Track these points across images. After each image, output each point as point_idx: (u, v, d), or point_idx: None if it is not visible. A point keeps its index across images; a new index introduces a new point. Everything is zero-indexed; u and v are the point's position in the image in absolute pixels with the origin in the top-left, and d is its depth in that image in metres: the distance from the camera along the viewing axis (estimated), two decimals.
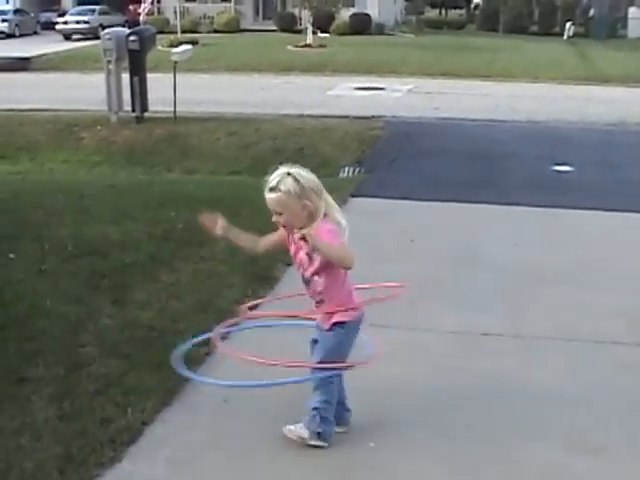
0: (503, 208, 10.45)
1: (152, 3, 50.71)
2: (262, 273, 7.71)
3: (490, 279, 7.82)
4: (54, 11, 54.61)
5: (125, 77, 16.34)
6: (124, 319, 6.63)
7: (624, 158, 13.91)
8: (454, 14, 71.03)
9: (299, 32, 41.19)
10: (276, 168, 4.86)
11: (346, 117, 16.80)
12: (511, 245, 8.90)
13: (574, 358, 6.27)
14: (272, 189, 4.79)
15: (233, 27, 48.59)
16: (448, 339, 6.53)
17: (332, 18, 44.42)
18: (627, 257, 8.57)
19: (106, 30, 17.31)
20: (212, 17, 50.88)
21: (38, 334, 6.31)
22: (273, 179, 4.80)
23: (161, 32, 27.05)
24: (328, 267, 4.88)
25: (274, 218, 4.85)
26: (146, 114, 16.50)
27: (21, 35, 47.51)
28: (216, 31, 47.51)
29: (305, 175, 4.81)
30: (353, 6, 48.17)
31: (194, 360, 5.94)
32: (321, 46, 30.83)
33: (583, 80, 23.35)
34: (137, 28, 19.62)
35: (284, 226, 4.87)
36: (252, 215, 9.56)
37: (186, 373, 5.05)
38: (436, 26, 57.72)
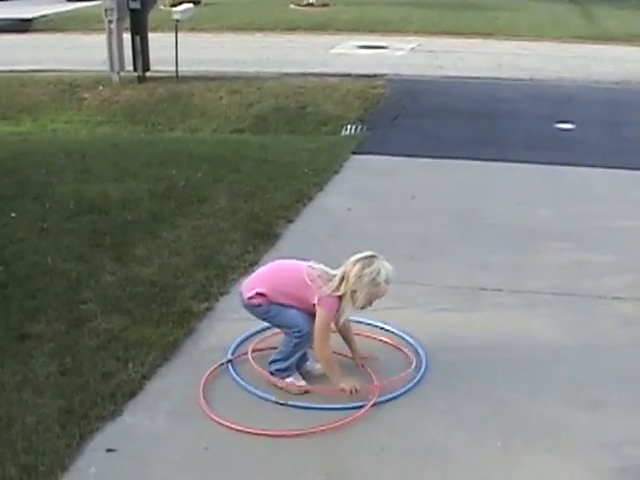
0: (505, 165, 10.42)
1: None
2: (263, 230, 7.72)
3: (491, 236, 7.83)
4: None
5: (127, 37, 16.25)
6: (125, 275, 6.66)
7: (627, 116, 13.83)
8: None
9: None
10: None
11: (349, 75, 16.68)
12: (513, 202, 8.89)
13: (574, 313, 6.29)
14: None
15: None
16: (447, 294, 6.55)
17: None
18: (629, 214, 8.55)
19: None
20: None
21: (39, 291, 6.35)
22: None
23: None
24: None
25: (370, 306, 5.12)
26: (148, 74, 16.39)
27: None
28: None
29: None
30: None
31: (195, 315, 5.99)
32: (324, 5, 30.54)
33: (587, 39, 23.14)
34: None
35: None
36: (252, 172, 9.67)
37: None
38: None
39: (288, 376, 5.19)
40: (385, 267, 4.99)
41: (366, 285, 4.94)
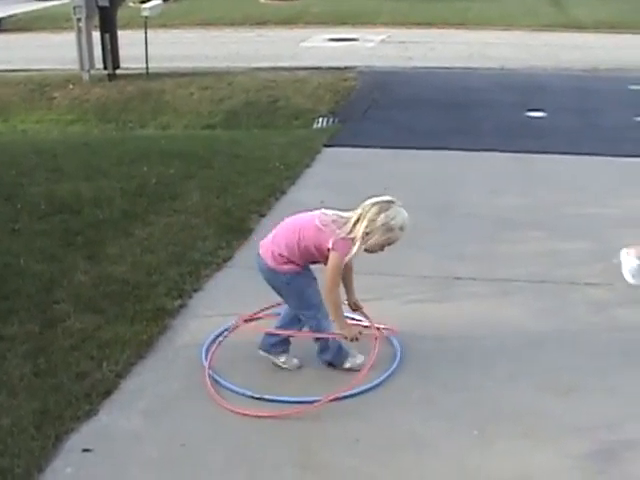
0: (477, 154, 10.44)
1: None
2: (236, 225, 7.71)
3: (465, 225, 7.85)
4: None
5: (96, 35, 16.20)
6: (98, 274, 6.64)
7: (597, 103, 13.89)
8: None
9: None
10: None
11: (319, 68, 16.68)
12: (486, 191, 8.91)
13: (547, 300, 6.33)
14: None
15: None
16: (422, 284, 6.56)
17: None
18: (601, 201, 8.59)
19: None
20: None
21: (12, 293, 6.31)
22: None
23: None
24: None
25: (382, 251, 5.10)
26: (118, 71, 16.35)
27: None
28: None
29: None
30: None
31: (169, 313, 5.98)
32: None
33: (556, 27, 23.23)
34: None
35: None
36: (224, 167, 9.65)
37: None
38: None
39: (345, 360, 5.27)
40: (401, 214, 4.96)
41: (380, 228, 4.90)
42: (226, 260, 6.96)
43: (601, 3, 27.64)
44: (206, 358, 5.34)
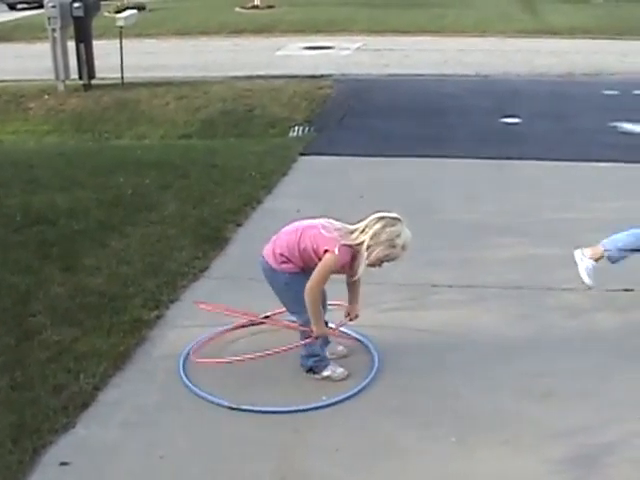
0: (453, 161, 10.47)
1: None
2: (213, 235, 7.70)
3: (441, 232, 7.85)
4: None
5: (71, 45, 16.16)
6: (74, 286, 6.60)
7: (571, 108, 13.96)
8: None
9: None
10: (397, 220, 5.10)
11: (295, 77, 16.69)
12: (462, 198, 8.94)
13: (523, 306, 6.35)
14: None
15: None
16: (398, 291, 6.57)
17: None
18: (576, 206, 8.62)
19: None
20: None
21: None
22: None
23: None
24: None
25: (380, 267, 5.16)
26: (94, 81, 16.31)
27: None
28: None
29: None
30: None
31: (146, 324, 5.96)
32: (270, 7, 30.56)
33: (531, 33, 23.36)
34: None
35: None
36: (200, 177, 9.64)
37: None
38: None
39: (325, 368, 5.28)
40: (406, 232, 5.03)
41: (382, 243, 4.96)
42: (202, 270, 6.95)
43: (575, 9, 27.85)
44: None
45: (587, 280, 6.43)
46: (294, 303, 5.21)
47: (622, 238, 6.35)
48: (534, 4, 28.78)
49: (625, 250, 6.32)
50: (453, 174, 9.96)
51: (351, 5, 28.48)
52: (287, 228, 5.31)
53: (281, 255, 5.16)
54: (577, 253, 6.52)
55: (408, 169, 10.14)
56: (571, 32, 23.44)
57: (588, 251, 6.45)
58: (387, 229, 4.97)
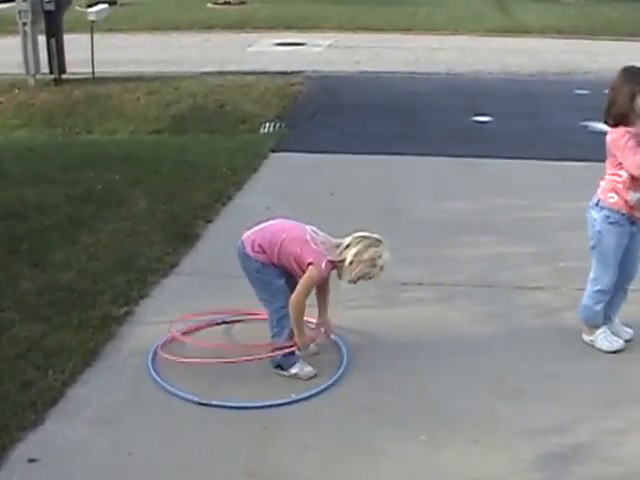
0: (423, 159, 10.48)
1: None
2: (183, 231, 7.69)
3: (411, 230, 7.85)
4: None
5: (42, 39, 16.06)
6: (44, 282, 6.57)
7: (543, 107, 13.99)
8: None
9: None
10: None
11: (266, 73, 16.65)
12: (432, 196, 8.97)
13: (493, 304, 6.38)
14: None
15: None
16: (367, 288, 6.53)
17: None
18: (546, 204, 8.65)
19: None
20: None
21: None
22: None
23: None
24: None
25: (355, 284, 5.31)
26: (64, 76, 16.19)
27: None
28: None
29: None
30: None
31: (115, 320, 5.94)
32: (241, 3, 30.44)
33: (503, 32, 23.39)
34: None
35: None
36: (171, 173, 9.61)
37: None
38: None
39: (293, 365, 5.30)
40: (386, 255, 5.20)
41: (364, 262, 5.14)
42: (172, 266, 6.94)
43: (547, 8, 27.94)
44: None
45: (617, 344, 5.73)
46: (263, 291, 5.35)
47: (588, 296, 5.72)
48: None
49: (602, 303, 5.70)
50: (424, 172, 9.97)
51: (323, 2, 28.41)
52: (275, 225, 5.43)
53: (259, 246, 5.28)
54: (586, 339, 5.80)
55: (379, 167, 10.14)
56: (543, 31, 23.51)
57: (585, 331, 5.79)
58: (370, 249, 5.15)
